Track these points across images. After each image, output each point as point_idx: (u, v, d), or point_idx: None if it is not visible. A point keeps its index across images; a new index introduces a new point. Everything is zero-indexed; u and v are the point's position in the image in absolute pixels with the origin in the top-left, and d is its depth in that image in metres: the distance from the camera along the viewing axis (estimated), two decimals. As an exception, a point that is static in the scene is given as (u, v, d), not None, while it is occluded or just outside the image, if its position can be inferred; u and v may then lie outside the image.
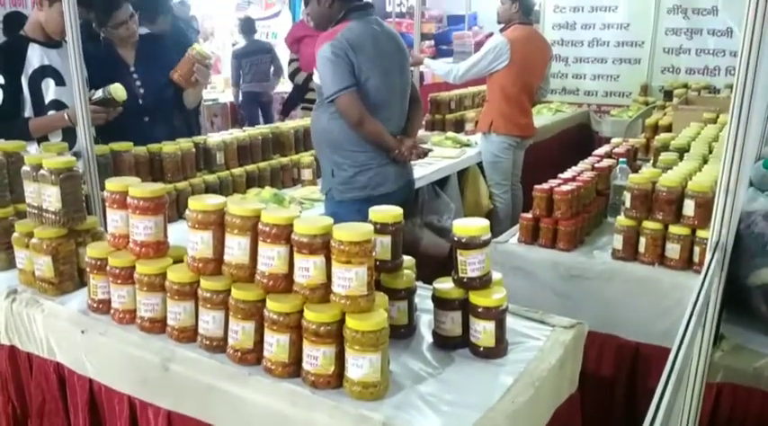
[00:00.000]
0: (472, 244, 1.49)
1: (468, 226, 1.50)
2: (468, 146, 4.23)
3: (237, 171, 3.02)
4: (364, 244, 1.34)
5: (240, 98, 7.18)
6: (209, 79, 3.20)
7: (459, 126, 4.82)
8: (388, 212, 1.54)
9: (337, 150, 2.59)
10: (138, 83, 3.00)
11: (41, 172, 1.80)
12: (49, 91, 2.56)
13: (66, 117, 2.52)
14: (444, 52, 11.03)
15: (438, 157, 3.85)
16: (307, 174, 3.29)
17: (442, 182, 3.71)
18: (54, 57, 2.58)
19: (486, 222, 1.52)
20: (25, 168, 1.87)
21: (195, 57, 2.93)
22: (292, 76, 4.95)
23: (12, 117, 2.49)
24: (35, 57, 2.54)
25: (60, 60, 2.58)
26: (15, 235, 1.91)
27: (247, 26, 7.27)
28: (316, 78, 2.58)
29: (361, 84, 2.49)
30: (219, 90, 7.66)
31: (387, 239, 1.53)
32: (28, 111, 2.55)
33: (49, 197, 1.78)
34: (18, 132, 2.35)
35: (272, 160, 3.23)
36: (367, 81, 2.49)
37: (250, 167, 3.09)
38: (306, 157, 3.30)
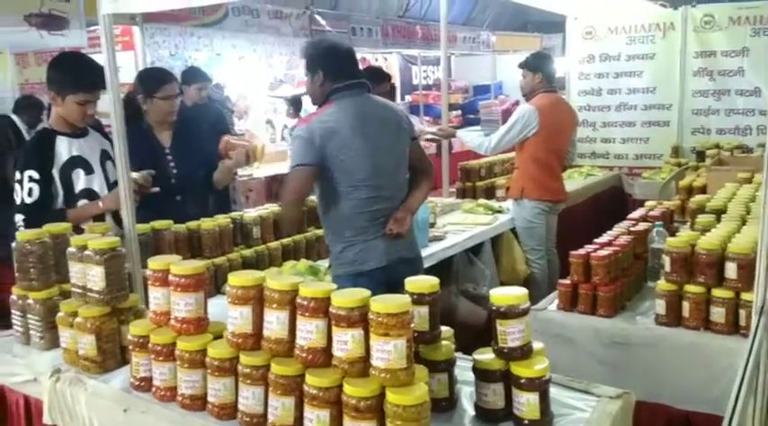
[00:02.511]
0: (511, 313, 1.48)
1: (506, 295, 1.49)
2: (500, 212, 4.23)
3: (274, 244, 3.07)
4: (402, 316, 1.34)
5: None
6: (232, 176, 3.31)
7: (490, 193, 4.84)
8: (425, 282, 1.54)
9: (329, 226, 2.58)
10: (172, 164, 3.11)
11: (86, 252, 1.86)
12: (80, 180, 2.63)
13: (101, 204, 2.58)
14: (472, 121, 11.23)
15: (471, 224, 3.85)
16: (341, 246, 3.32)
17: (476, 250, 3.70)
18: (81, 147, 2.65)
19: (524, 291, 1.51)
20: (71, 249, 1.94)
21: (250, 148, 3.00)
22: None
23: (47, 209, 2.56)
24: (63, 148, 2.61)
25: (87, 149, 2.66)
26: (60, 314, 1.96)
27: (296, 103, 7.62)
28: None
29: (338, 164, 2.45)
30: (255, 167, 7.85)
31: (424, 310, 1.53)
32: (60, 202, 2.61)
33: (93, 276, 1.83)
34: (49, 221, 2.40)
35: (307, 233, 3.28)
36: (344, 161, 2.46)
37: (286, 240, 3.14)
38: (339, 229, 3.34)
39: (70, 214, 2.55)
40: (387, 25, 9.87)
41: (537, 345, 1.55)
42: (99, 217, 2.63)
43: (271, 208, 3.22)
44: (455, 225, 3.87)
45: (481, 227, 3.84)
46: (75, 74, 2.55)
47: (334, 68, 2.53)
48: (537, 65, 4.09)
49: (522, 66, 4.15)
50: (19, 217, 2.50)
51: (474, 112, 11.44)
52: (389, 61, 10.95)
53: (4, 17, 4.81)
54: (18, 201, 2.52)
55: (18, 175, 2.53)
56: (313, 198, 3.57)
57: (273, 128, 9.16)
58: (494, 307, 1.50)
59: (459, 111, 11.45)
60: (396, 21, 10.21)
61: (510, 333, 1.48)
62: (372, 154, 2.50)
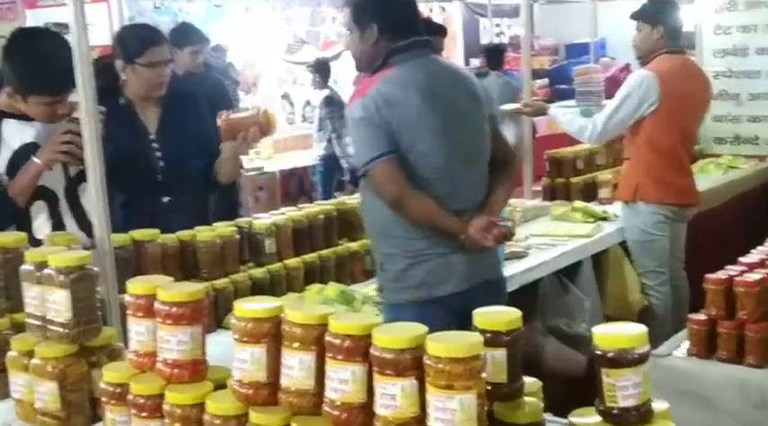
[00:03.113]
0: (623, 361, 1.45)
1: (615, 335, 1.47)
2: (604, 219, 4.20)
3: (293, 262, 3.10)
4: (471, 362, 1.34)
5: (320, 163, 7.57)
6: (234, 177, 3.37)
7: (589, 193, 4.79)
8: (501, 316, 1.53)
9: (387, 236, 2.62)
10: (158, 153, 3.17)
11: (46, 271, 1.91)
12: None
13: (37, 160, 2.61)
14: (563, 93, 11.12)
15: (564, 236, 3.83)
16: (383, 265, 3.33)
17: (570, 271, 3.68)
18: (38, 132, 2.72)
19: (641, 328, 1.49)
20: (26, 267, 1.99)
21: (259, 119, 3.06)
22: None
23: None
24: (13, 135, 2.70)
25: (44, 134, 2.71)
26: (11, 354, 2.01)
27: (323, 70, 7.71)
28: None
29: (406, 149, 2.53)
30: (265, 156, 7.97)
31: (501, 353, 1.51)
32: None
33: (55, 304, 1.88)
34: None
35: (337, 246, 3.31)
36: (414, 145, 2.53)
37: (309, 257, 3.17)
38: (381, 242, 3.36)
39: (10, 188, 2.62)
40: (445, -37, 9.89)
41: (659, 405, 1.52)
42: (59, 225, 2.70)
43: (289, 214, 3.26)
44: (542, 237, 3.85)
45: (578, 241, 3.81)
46: (42, 71, 2.60)
47: (392, 21, 2.60)
48: (657, 15, 4.05)
49: (635, 16, 4.12)
50: None
51: (566, 81, 11.29)
52: (449, 12, 10.97)
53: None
54: None
55: None
56: (343, 198, 3.62)
57: (291, 104, 9.29)
58: (597, 352, 1.48)
59: (546, 80, 11.35)
60: (458, -43, 10.23)
61: (622, 388, 1.46)
62: (449, 135, 2.56)
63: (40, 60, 2.62)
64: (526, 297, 3.30)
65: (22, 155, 2.67)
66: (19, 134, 2.70)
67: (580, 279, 3.72)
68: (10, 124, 2.71)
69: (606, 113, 4.00)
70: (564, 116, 4.32)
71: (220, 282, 2.82)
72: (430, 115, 2.54)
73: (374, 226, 2.68)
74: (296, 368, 1.49)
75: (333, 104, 7.56)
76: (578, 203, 4.43)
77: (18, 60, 2.68)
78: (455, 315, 2.27)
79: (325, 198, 6.68)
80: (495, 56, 7.87)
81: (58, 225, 2.69)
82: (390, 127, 2.50)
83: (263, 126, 3.08)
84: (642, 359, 1.46)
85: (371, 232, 2.73)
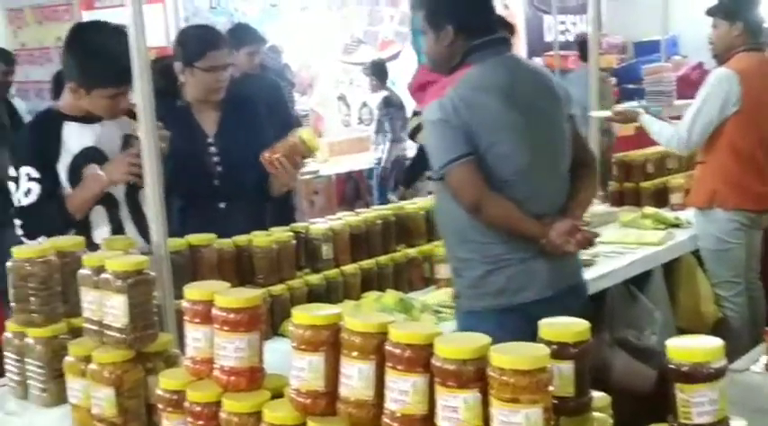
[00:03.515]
0: (698, 376, 1.43)
1: (689, 348, 1.45)
2: (676, 226, 4.14)
3: (350, 268, 3.12)
4: (537, 375, 1.33)
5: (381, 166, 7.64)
6: (295, 179, 3.35)
7: (661, 198, 4.72)
8: (568, 327, 1.52)
9: (464, 241, 2.62)
10: (216, 158, 3.23)
11: (104, 276, 1.96)
12: None
13: (101, 173, 2.66)
14: (630, 93, 10.93)
15: (633, 244, 3.78)
16: (443, 271, 3.31)
17: (640, 281, 3.64)
18: (97, 135, 2.78)
19: (717, 342, 1.47)
20: (83, 271, 2.05)
21: (297, 146, 3.06)
22: (414, 135, 5.12)
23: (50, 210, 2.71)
24: (73, 138, 2.75)
25: (106, 137, 2.78)
26: (69, 359, 2.06)
27: (380, 72, 7.76)
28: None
29: (485, 151, 2.53)
30: (321, 159, 8.02)
31: (568, 366, 1.51)
32: None
33: (113, 308, 1.92)
34: (56, 221, 2.54)
35: (395, 253, 3.31)
36: (494, 147, 2.53)
37: (367, 263, 3.18)
38: (442, 248, 3.35)
39: (69, 202, 2.68)
40: (508, -42, 9.85)
41: (737, 423, 1.50)
42: (118, 229, 2.76)
43: (346, 219, 3.28)
44: (610, 244, 3.79)
45: (648, 249, 3.76)
46: (105, 62, 2.65)
47: (469, 20, 2.62)
48: (736, 10, 3.98)
49: (712, 12, 4.05)
50: (17, 223, 2.68)
51: (635, 81, 11.09)
52: (511, 9, 10.89)
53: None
54: (15, 204, 2.70)
55: (13, 172, 2.71)
56: (402, 203, 3.61)
57: (348, 106, 9.33)
58: (670, 366, 1.46)
59: (614, 79, 11.19)
60: (521, -49, 10.17)
61: (696, 405, 1.44)
62: (529, 136, 2.57)
63: (103, 51, 2.67)
64: (593, 307, 3.26)
65: (82, 160, 2.74)
66: (79, 137, 2.76)
67: (650, 290, 3.68)
68: (71, 127, 2.76)
69: (688, 119, 3.92)
70: (653, 125, 4.22)
71: (277, 288, 2.85)
72: (510, 115, 2.54)
73: (450, 231, 2.68)
74: (355, 377, 1.50)
75: (391, 105, 7.59)
76: (648, 209, 4.36)
77: (81, 53, 2.74)
78: (535, 324, 2.26)
79: (381, 202, 6.71)
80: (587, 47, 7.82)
81: (117, 230, 2.74)
82: (469, 128, 2.50)
83: (303, 151, 3.09)
84: (718, 374, 1.44)
85: (447, 237, 2.73)
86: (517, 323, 2.16)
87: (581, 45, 8.00)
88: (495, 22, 2.74)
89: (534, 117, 2.60)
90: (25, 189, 2.67)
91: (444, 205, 2.66)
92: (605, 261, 3.55)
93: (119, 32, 2.65)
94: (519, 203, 2.55)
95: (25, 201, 2.68)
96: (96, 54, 2.69)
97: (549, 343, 1.49)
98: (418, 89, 5.08)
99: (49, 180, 2.70)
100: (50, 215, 2.68)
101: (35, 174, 2.68)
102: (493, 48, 2.63)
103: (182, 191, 3.01)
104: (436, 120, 2.53)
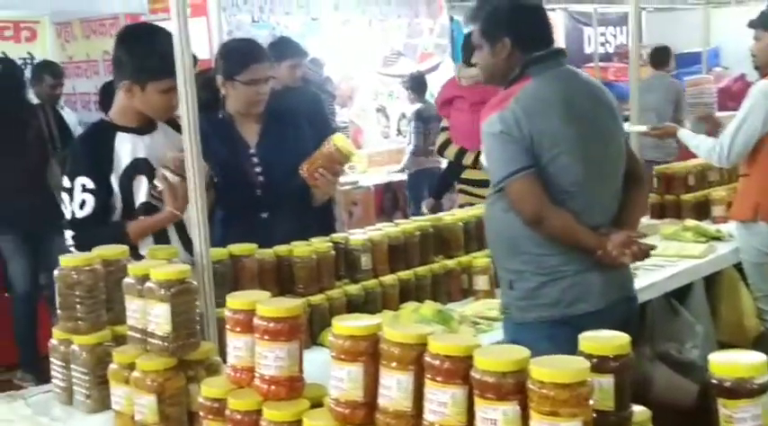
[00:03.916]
0: (741, 391, 1.42)
1: (732, 363, 1.44)
2: (718, 239, 4.09)
3: (388, 279, 3.12)
4: (577, 388, 1.32)
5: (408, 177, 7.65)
6: (335, 187, 3.36)
7: (702, 211, 4.66)
8: (609, 340, 1.52)
9: (517, 253, 2.62)
10: (257, 169, 3.26)
11: (148, 285, 1.98)
12: (141, 191, 2.77)
13: (170, 208, 2.67)
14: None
15: (673, 257, 3.74)
16: (481, 283, 3.31)
17: (681, 294, 3.61)
18: (148, 147, 2.80)
19: (761, 357, 1.45)
20: (128, 280, 2.08)
21: (333, 155, 3.08)
22: (442, 150, 5.15)
23: (104, 224, 2.73)
24: (125, 149, 2.77)
25: (155, 149, 2.80)
26: (112, 366, 2.09)
27: (418, 85, 7.78)
28: (483, 159, 2.67)
29: (546, 163, 2.53)
30: (360, 170, 8.06)
31: (608, 380, 1.50)
32: (117, 219, 2.77)
33: (156, 317, 1.95)
34: (111, 241, 2.51)
35: (433, 264, 3.31)
36: (554, 159, 2.54)
37: (405, 274, 3.18)
38: (480, 260, 3.34)
39: (131, 228, 2.72)
40: (549, -29, 9.82)
41: (780, 439, 1.47)
42: (161, 238, 2.80)
43: (385, 230, 3.28)
44: (650, 257, 3.76)
45: (690, 262, 3.73)
46: (159, 54, 2.62)
47: (525, 32, 2.64)
48: (778, 22, 3.93)
49: (754, 25, 4.01)
50: (68, 234, 2.70)
51: (677, 93, 11.07)
52: (551, 20, 10.88)
53: (44, -25, 5.26)
54: (68, 215, 2.72)
55: (67, 183, 2.73)
56: (440, 215, 3.61)
57: (387, 118, 9.37)
58: (713, 380, 1.45)
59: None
60: (562, -37, 10.14)
61: (739, 420, 1.42)
62: (589, 148, 2.58)
63: (157, 44, 2.68)
64: (634, 320, 3.24)
65: (132, 171, 2.76)
66: (131, 149, 2.77)
67: (691, 303, 3.63)
68: (123, 138, 2.78)
69: (730, 132, 3.87)
70: (693, 139, 4.20)
71: (316, 298, 2.86)
72: (571, 127, 2.55)
73: (502, 243, 2.67)
74: (394, 388, 1.51)
75: (420, 119, 7.58)
76: (690, 222, 4.31)
77: (135, 47, 2.76)
78: None
79: (415, 213, 6.71)
80: (659, 54, 7.79)
81: (161, 239, 2.77)
82: (530, 140, 2.51)
83: (340, 158, 3.10)
84: (762, 389, 1.43)
85: (498, 248, 2.72)
86: (569, 335, 2.15)
87: (654, 53, 7.95)
88: (551, 34, 2.75)
89: (593, 130, 2.61)
90: (80, 200, 2.69)
91: (498, 216, 2.66)
92: (646, 273, 3.51)
93: (168, 32, 2.70)
94: (576, 214, 2.55)
95: (80, 214, 2.70)
96: (151, 46, 2.70)
97: (589, 357, 1.48)
98: (444, 103, 5.13)
99: (103, 192, 2.72)
100: (104, 231, 2.70)
101: (90, 185, 2.70)
102: (552, 61, 2.65)
103: (224, 202, 3.04)
104: (497, 133, 2.53)
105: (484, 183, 4.63)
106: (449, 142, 5.03)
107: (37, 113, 5.31)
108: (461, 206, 4.70)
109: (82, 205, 2.69)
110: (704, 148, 4.03)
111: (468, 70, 4.72)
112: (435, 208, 5.49)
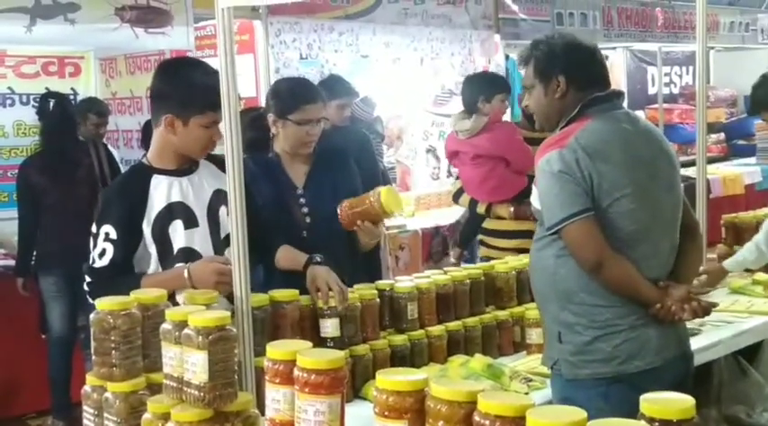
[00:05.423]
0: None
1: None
2: (790, 294, 3.99)
3: (436, 330, 3.10)
4: (638, 454, 1.29)
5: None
6: (378, 237, 3.35)
7: (773, 263, 4.57)
8: (673, 402, 1.49)
9: (568, 303, 2.59)
10: (304, 210, 3.31)
11: (186, 331, 1.99)
12: (177, 236, 2.79)
13: (186, 274, 2.67)
14: (741, 150, 10.72)
15: (743, 313, 3.69)
16: (535, 336, 3.28)
17: (750, 353, 3.55)
18: (184, 189, 2.82)
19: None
20: (166, 326, 2.09)
21: (377, 209, 3.06)
22: (456, 197, 5.16)
23: (121, 275, 2.75)
24: (160, 193, 2.79)
25: (193, 191, 2.83)
26: (146, 416, 2.09)
27: None
28: (534, 200, 2.66)
29: (606, 208, 2.51)
30: (408, 213, 8.04)
31: (671, 445, 1.46)
32: (153, 267, 2.80)
33: (193, 365, 1.95)
34: (118, 290, 2.51)
35: (484, 314, 3.29)
36: (615, 203, 2.52)
37: (453, 325, 3.16)
38: (533, 311, 3.31)
39: (147, 283, 2.70)
40: (609, 8, 9.82)
41: None
42: None
43: (433, 277, 3.27)
44: (717, 312, 3.65)
45: (760, 318, 3.66)
46: (202, 87, 2.68)
47: (582, 72, 2.65)
48: None
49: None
50: (86, 281, 2.76)
51: (745, 137, 10.92)
52: (613, 60, 10.84)
53: (89, 11, 5.35)
54: (90, 261, 2.78)
55: (94, 228, 2.78)
56: (493, 262, 3.59)
57: (437, 159, 9.37)
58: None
59: (722, 134, 11.00)
60: (624, 1, 10.13)
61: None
62: (650, 195, 2.57)
63: (199, 78, 2.73)
64: (699, 380, 3.17)
65: (167, 215, 2.78)
66: (166, 193, 2.80)
67: (761, 363, 3.57)
68: (159, 180, 2.81)
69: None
70: (738, 258, 4.08)
71: (359, 349, 2.85)
72: (633, 171, 2.54)
73: (553, 292, 2.63)
74: (441, 448, 1.49)
75: None
76: (760, 275, 4.23)
77: (178, 80, 2.80)
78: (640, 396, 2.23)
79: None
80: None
81: None
82: (591, 182, 2.49)
83: (379, 214, 3.09)
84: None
85: (547, 298, 2.67)
86: (624, 394, 2.13)
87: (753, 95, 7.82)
88: (607, 75, 2.74)
89: (654, 176, 2.60)
90: (101, 249, 2.74)
91: (548, 262, 2.62)
92: (712, 330, 3.45)
93: (210, 66, 2.74)
94: (635, 264, 2.52)
95: (98, 263, 2.74)
96: (193, 80, 2.74)
97: (651, 420, 1.46)
98: (450, 156, 5.18)
99: (126, 244, 2.75)
100: (118, 284, 2.69)
101: (113, 235, 2.73)
102: (611, 102, 2.66)
103: (270, 243, 3.04)
104: (556, 172, 2.51)
105: (501, 234, 4.64)
106: (462, 191, 5.03)
107: (89, 151, 5.45)
108: (482, 259, 4.72)
109: (102, 254, 2.74)
110: (750, 249, 3.97)
111: (463, 123, 4.76)
112: (461, 258, 5.50)
